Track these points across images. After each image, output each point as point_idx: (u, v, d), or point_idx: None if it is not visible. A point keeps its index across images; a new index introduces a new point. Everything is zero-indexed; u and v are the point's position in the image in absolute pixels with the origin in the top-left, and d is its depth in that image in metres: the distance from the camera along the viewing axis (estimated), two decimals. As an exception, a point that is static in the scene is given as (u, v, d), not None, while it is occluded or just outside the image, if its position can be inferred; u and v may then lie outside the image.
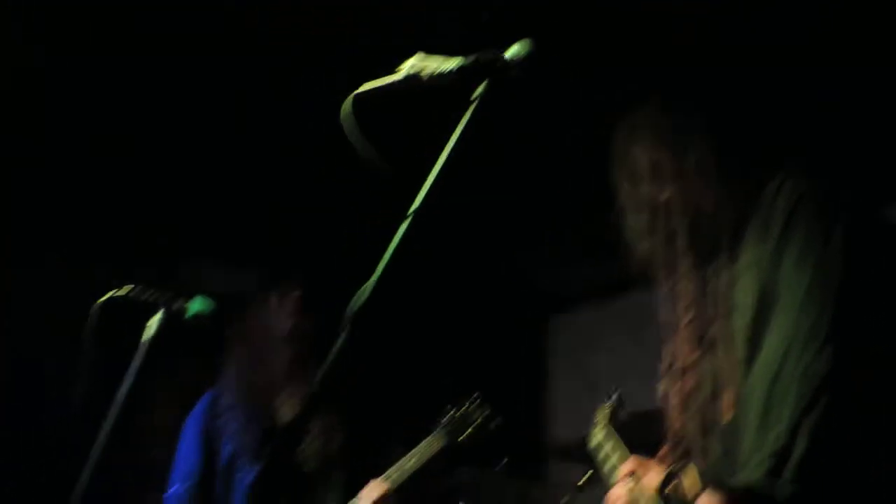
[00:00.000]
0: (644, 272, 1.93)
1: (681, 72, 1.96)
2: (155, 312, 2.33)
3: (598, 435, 2.67)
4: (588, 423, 2.83)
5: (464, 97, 1.56)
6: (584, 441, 3.32)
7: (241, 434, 3.21)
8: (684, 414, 1.82)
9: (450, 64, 1.58)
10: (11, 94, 3.85)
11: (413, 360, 5.30)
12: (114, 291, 2.27)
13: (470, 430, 3.26)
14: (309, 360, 3.25)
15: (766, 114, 1.91)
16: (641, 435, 2.63)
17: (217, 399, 3.33)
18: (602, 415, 2.82)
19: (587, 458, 3.81)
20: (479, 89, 1.54)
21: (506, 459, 3.99)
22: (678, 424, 1.84)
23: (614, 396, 2.91)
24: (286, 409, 3.28)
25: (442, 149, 1.55)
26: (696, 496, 1.75)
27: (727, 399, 1.73)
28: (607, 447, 2.54)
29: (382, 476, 3.13)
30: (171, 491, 3.25)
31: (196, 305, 2.40)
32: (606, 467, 2.49)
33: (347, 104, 1.58)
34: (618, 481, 2.25)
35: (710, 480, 1.61)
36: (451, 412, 3.28)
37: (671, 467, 1.93)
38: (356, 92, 1.58)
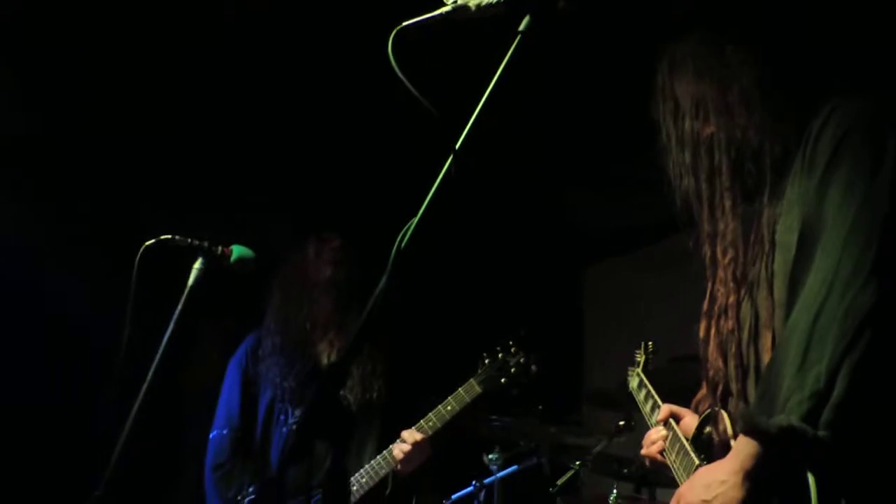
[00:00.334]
0: (685, 211, 1.90)
1: (724, 1, 1.90)
2: (199, 257, 2.36)
3: (633, 383, 2.67)
4: (623, 371, 2.84)
5: (510, 30, 1.54)
6: (619, 388, 3.34)
7: (282, 380, 3.26)
8: (722, 356, 1.80)
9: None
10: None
11: (450, 310, 5.33)
12: (160, 236, 2.30)
13: (507, 377, 3.27)
14: (349, 307, 3.28)
15: (814, 42, 1.85)
16: (677, 381, 2.63)
17: (258, 344, 3.38)
18: (636, 364, 2.83)
19: (622, 405, 3.85)
20: (525, 21, 1.51)
21: (541, 407, 4.01)
22: (716, 366, 1.82)
23: (648, 345, 2.91)
24: (327, 356, 3.32)
25: (485, 83, 1.53)
26: (730, 441, 1.76)
27: (766, 341, 1.71)
28: (641, 395, 2.54)
29: (421, 421, 3.16)
30: (213, 434, 3.32)
31: (239, 251, 2.43)
32: (642, 413, 2.49)
33: (391, 39, 1.56)
34: (653, 427, 2.27)
35: (745, 424, 1.59)
36: (489, 359, 3.30)
37: (706, 412, 1.93)
38: (401, 26, 1.56)
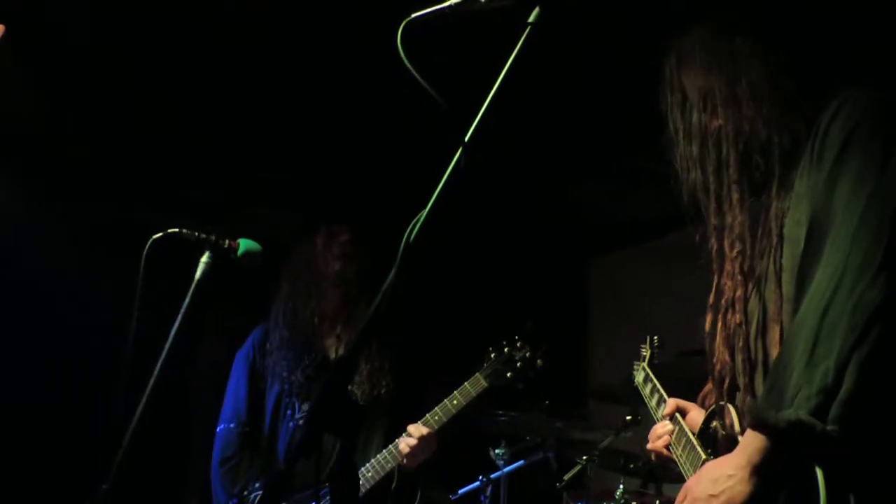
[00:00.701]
0: (692, 204, 1.90)
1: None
2: (206, 251, 2.37)
3: (638, 377, 2.67)
4: (629, 365, 2.83)
5: (518, 22, 1.53)
6: (624, 383, 3.34)
7: (289, 374, 3.26)
8: (729, 350, 1.79)
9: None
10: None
11: (456, 302, 5.33)
12: (168, 229, 2.30)
13: (513, 371, 3.27)
14: (357, 301, 3.28)
15: (824, 34, 1.84)
16: (683, 376, 2.63)
17: (266, 337, 3.38)
18: (641, 358, 2.82)
19: (628, 399, 3.84)
20: (535, 13, 1.51)
21: (547, 402, 4.01)
22: (723, 360, 1.81)
23: (653, 339, 2.91)
24: (335, 350, 3.32)
25: (494, 75, 1.53)
26: (736, 435, 1.75)
27: (774, 335, 1.70)
28: (647, 389, 2.54)
29: (427, 415, 3.16)
30: (219, 428, 3.32)
31: (246, 244, 2.43)
32: (648, 407, 2.49)
33: (400, 31, 1.55)
34: (659, 422, 2.26)
35: (753, 419, 1.59)
36: (495, 353, 3.29)
37: (713, 407, 1.92)
38: (410, 18, 1.55)
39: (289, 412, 3.25)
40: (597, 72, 4.00)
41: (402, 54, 1.54)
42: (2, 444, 4.34)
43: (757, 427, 1.57)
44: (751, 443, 1.58)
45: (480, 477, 4.19)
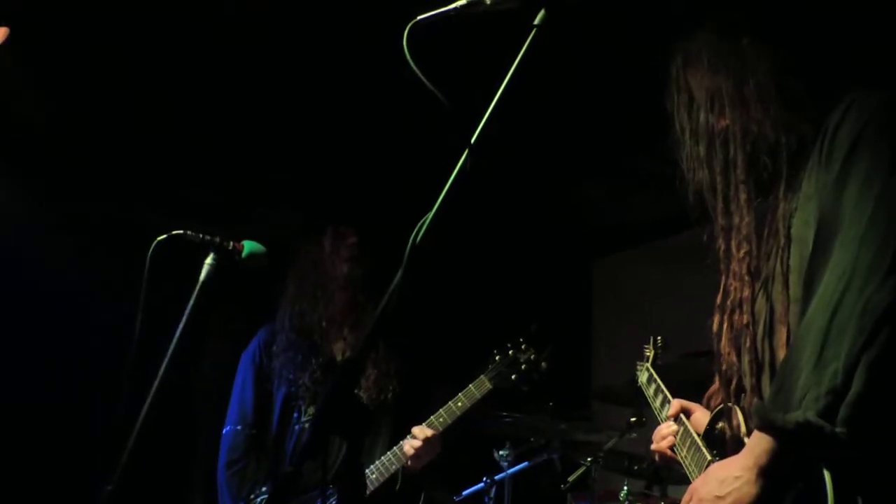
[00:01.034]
0: (699, 204, 1.89)
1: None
2: (210, 252, 2.36)
3: (642, 377, 2.66)
4: (632, 366, 2.83)
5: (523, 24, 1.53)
6: (628, 384, 3.33)
7: (296, 377, 3.24)
8: (736, 350, 1.79)
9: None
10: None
11: (459, 303, 5.32)
12: (169, 230, 2.30)
13: (517, 373, 3.26)
14: (365, 305, 3.27)
15: (829, 34, 1.83)
16: (687, 377, 2.62)
17: (272, 338, 3.36)
18: (645, 358, 2.82)
19: (631, 400, 3.84)
20: (540, 15, 1.50)
21: (551, 403, 4.01)
22: (730, 361, 1.80)
23: (657, 339, 2.90)
24: (342, 352, 3.31)
25: (498, 77, 1.53)
26: (743, 437, 1.75)
27: (781, 336, 1.70)
28: (650, 390, 2.53)
29: (431, 417, 3.16)
30: (226, 430, 3.30)
31: (251, 246, 2.43)
32: (652, 408, 2.48)
33: (406, 33, 1.55)
34: (663, 422, 2.25)
35: (761, 420, 1.57)
36: (499, 356, 3.29)
37: (719, 408, 1.92)
38: (415, 20, 1.55)
39: (296, 415, 3.24)
40: (597, 72, 3.99)
41: (408, 56, 1.53)
42: (4, 446, 4.33)
43: (764, 428, 1.56)
44: (758, 444, 1.57)
45: (484, 478, 4.18)
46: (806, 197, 1.69)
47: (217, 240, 2.37)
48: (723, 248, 1.84)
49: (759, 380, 1.74)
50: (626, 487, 3.92)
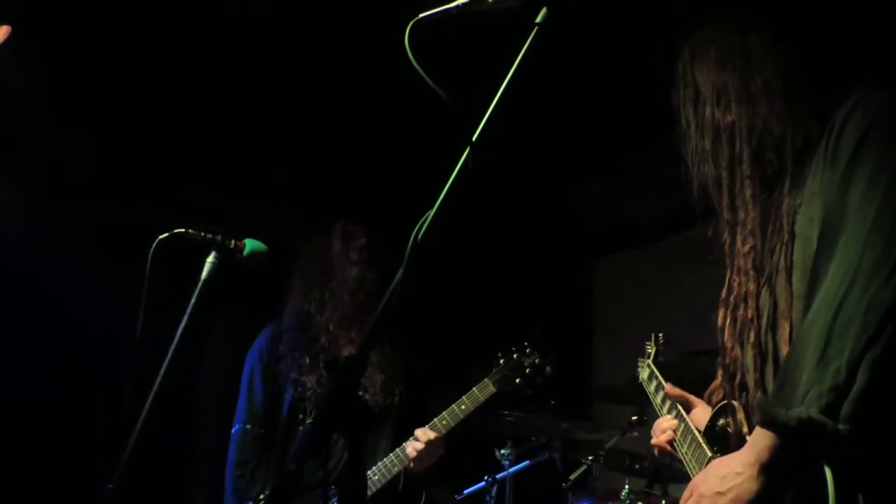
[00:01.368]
0: (703, 199, 1.89)
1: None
2: (212, 251, 2.36)
3: (643, 374, 2.67)
4: (633, 366, 2.83)
5: (526, 22, 1.53)
6: (629, 383, 3.33)
7: (304, 378, 3.21)
8: (740, 344, 1.79)
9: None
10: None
11: (459, 303, 5.32)
12: (170, 229, 2.30)
13: (522, 377, 3.25)
14: (374, 308, 3.24)
15: (836, 33, 1.84)
16: (689, 375, 2.62)
17: (278, 338, 3.32)
18: (646, 355, 2.82)
19: (632, 399, 3.84)
20: (542, 13, 1.50)
21: (553, 402, 4.01)
22: (733, 355, 1.80)
23: (658, 336, 2.91)
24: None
25: (500, 76, 1.53)
26: (744, 434, 1.75)
27: (784, 332, 1.70)
28: (651, 386, 2.53)
29: (435, 420, 3.15)
30: (235, 429, 3.27)
31: (253, 245, 2.43)
32: (653, 405, 2.48)
33: (408, 31, 1.55)
34: (663, 416, 2.26)
35: (763, 416, 1.57)
36: (504, 359, 3.27)
37: (721, 404, 1.92)
38: (417, 18, 1.55)
39: (301, 416, 3.22)
40: (597, 72, 3.99)
41: (409, 55, 1.54)
42: (6, 445, 4.32)
43: (766, 424, 1.56)
44: (760, 440, 1.57)
45: (486, 477, 4.18)
46: (810, 194, 1.69)
47: (218, 238, 2.37)
48: (728, 242, 1.84)
49: (762, 374, 1.74)
50: (627, 486, 3.92)
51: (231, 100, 4.34)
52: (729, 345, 1.82)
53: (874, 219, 1.53)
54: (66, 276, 4.56)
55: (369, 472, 3.10)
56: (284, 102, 4.39)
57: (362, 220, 3.46)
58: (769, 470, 1.56)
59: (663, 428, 2.19)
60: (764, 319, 1.75)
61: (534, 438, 4.20)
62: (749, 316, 1.77)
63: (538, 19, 1.54)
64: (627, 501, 3.89)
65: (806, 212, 1.69)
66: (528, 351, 3.30)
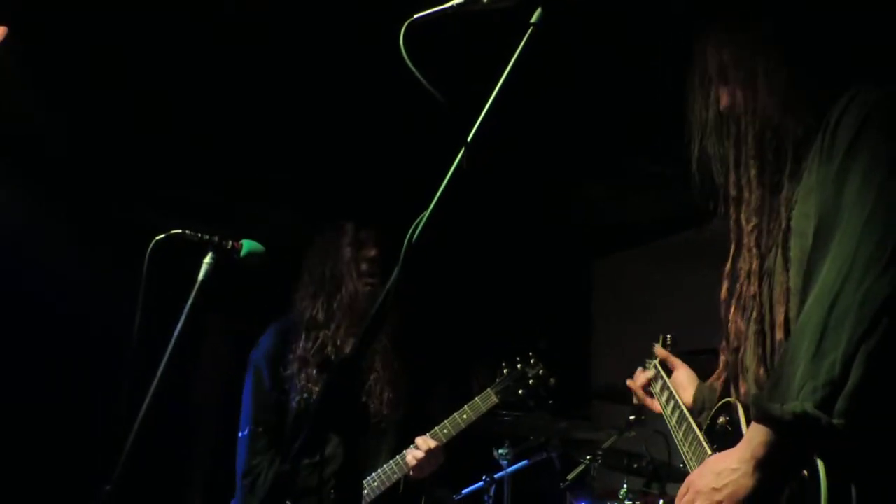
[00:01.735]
0: (708, 179, 1.90)
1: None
2: (209, 252, 2.36)
3: (649, 374, 2.66)
4: (633, 365, 2.82)
5: (521, 22, 1.53)
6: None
7: (310, 389, 3.17)
8: (743, 318, 1.81)
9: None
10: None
11: (459, 302, 5.32)
12: (169, 229, 2.30)
13: (525, 388, 3.23)
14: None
15: (843, 24, 1.84)
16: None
17: (283, 342, 3.27)
18: (653, 356, 2.81)
19: (631, 399, 3.83)
20: (537, 13, 1.51)
21: (550, 402, 4.00)
22: (736, 329, 1.82)
23: (666, 338, 2.90)
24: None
25: (496, 76, 1.53)
26: (742, 430, 1.75)
27: (779, 317, 1.72)
28: (657, 387, 2.53)
29: (436, 428, 3.13)
30: (242, 433, 3.22)
31: (249, 245, 2.43)
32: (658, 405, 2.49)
33: (403, 31, 1.55)
34: (669, 421, 2.27)
35: (758, 411, 1.58)
36: (508, 369, 3.25)
37: (720, 403, 1.92)
38: (412, 19, 1.55)
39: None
40: (597, 72, 3.99)
41: (404, 55, 1.54)
42: (3, 446, 4.33)
43: (761, 419, 1.56)
44: (755, 436, 1.57)
45: (484, 477, 4.18)
46: (807, 189, 1.70)
47: (215, 239, 2.37)
48: (734, 217, 1.86)
49: (763, 349, 1.76)
50: (625, 486, 3.92)
51: (231, 100, 4.34)
52: (732, 319, 1.84)
53: (869, 213, 1.54)
54: (65, 276, 4.57)
55: (368, 478, 3.09)
56: (284, 102, 4.39)
57: (362, 220, 3.43)
58: (765, 465, 1.56)
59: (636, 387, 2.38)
60: (766, 296, 1.77)
61: (532, 438, 4.20)
62: (752, 293, 1.79)
63: (533, 19, 1.54)
64: (625, 501, 3.89)
65: (802, 208, 1.71)
66: (532, 362, 3.27)
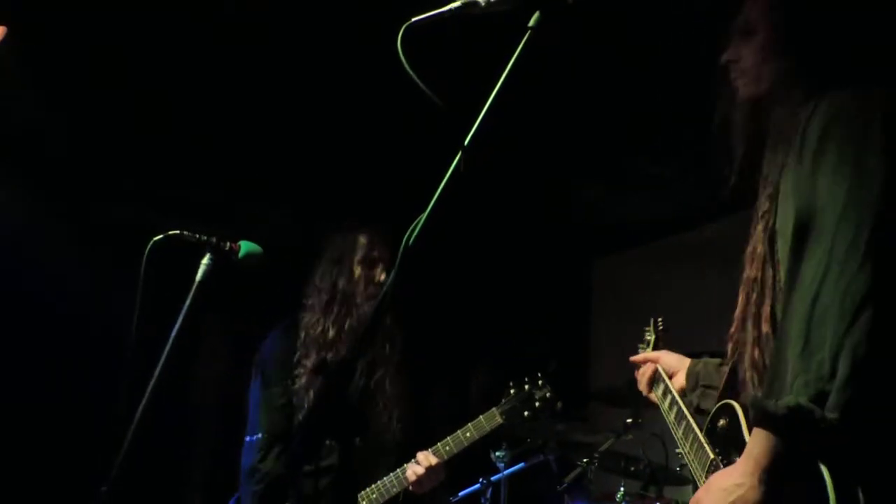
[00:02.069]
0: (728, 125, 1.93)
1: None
2: (207, 253, 2.36)
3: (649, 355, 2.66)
4: (631, 367, 2.81)
5: (520, 25, 1.54)
6: (626, 385, 3.32)
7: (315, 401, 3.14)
8: (745, 296, 1.84)
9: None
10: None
11: (458, 306, 5.31)
12: (168, 230, 2.30)
13: (531, 410, 3.19)
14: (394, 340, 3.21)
15: (843, 25, 1.85)
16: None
17: (292, 347, 3.23)
18: (645, 343, 2.81)
19: (629, 401, 3.84)
20: (535, 17, 1.51)
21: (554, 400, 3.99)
22: (742, 303, 1.86)
23: (657, 321, 2.89)
24: (360, 372, 3.20)
25: (494, 79, 1.53)
26: (744, 432, 1.76)
27: (766, 309, 1.75)
28: (658, 390, 2.53)
29: (438, 444, 3.12)
30: (249, 439, 3.18)
31: (248, 247, 2.42)
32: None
33: (400, 34, 1.56)
34: (664, 412, 2.29)
35: (755, 411, 1.59)
36: (515, 390, 3.21)
37: (719, 404, 1.93)
38: (410, 22, 1.55)
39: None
40: (597, 72, 3.99)
41: (402, 58, 1.54)
42: (3, 446, 4.34)
43: (759, 419, 1.57)
44: (756, 445, 1.58)
45: (481, 479, 4.17)
46: (784, 195, 1.74)
47: (213, 240, 2.36)
48: (748, 183, 1.89)
49: (759, 332, 1.78)
50: (622, 488, 3.92)
51: (231, 100, 4.35)
52: (741, 298, 1.87)
53: (841, 210, 1.57)
54: (65, 276, 4.57)
55: (367, 489, 3.08)
56: (284, 102, 4.40)
57: (362, 220, 3.41)
58: (768, 474, 1.56)
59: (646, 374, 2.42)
60: (759, 284, 1.80)
61: (529, 440, 4.19)
62: (753, 277, 1.82)
63: (531, 23, 1.54)
64: (623, 503, 3.89)
65: (781, 211, 1.74)
66: (540, 384, 3.22)
